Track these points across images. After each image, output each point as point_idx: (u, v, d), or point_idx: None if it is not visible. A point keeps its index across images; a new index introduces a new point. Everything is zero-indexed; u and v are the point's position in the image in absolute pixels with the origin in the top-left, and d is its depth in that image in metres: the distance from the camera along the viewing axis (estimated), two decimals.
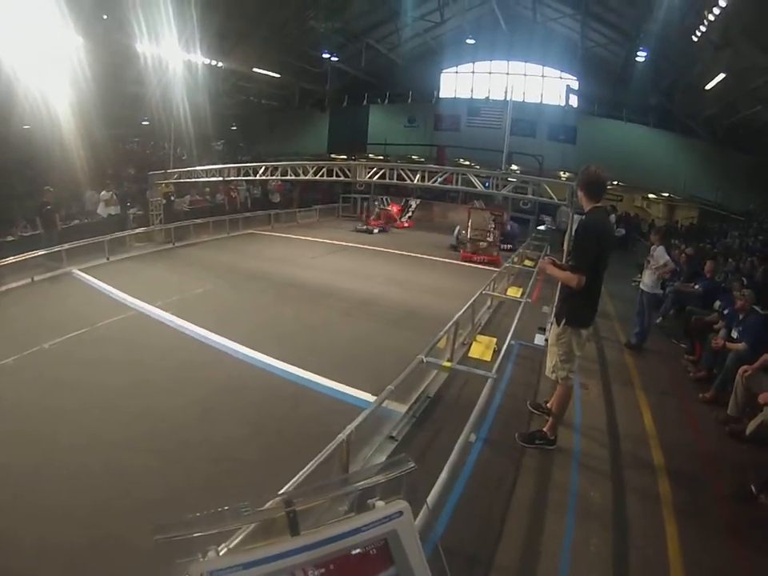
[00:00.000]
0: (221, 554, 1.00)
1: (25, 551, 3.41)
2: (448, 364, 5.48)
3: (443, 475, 3.10)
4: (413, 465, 1.10)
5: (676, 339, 8.68)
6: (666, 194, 24.45)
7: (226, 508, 1.03)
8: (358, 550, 1.01)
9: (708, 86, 16.59)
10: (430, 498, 2.83)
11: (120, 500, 3.84)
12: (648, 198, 26.17)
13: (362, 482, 1.13)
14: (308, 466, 3.02)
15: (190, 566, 0.93)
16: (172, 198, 17.93)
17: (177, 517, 1.02)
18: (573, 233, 5.87)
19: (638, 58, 19.00)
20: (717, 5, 12.58)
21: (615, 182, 24.93)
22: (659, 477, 4.55)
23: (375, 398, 4.38)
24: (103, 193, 15.65)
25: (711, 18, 13.07)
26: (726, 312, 7.33)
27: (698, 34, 14.19)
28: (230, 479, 4.18)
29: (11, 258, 10.68)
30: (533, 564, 3.46)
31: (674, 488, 4.38)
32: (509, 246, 16.96)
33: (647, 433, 5.36)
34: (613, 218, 19.30)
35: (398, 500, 1.06)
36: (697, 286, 9.41)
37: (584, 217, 4.50)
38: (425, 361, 5.16)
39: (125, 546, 3.35)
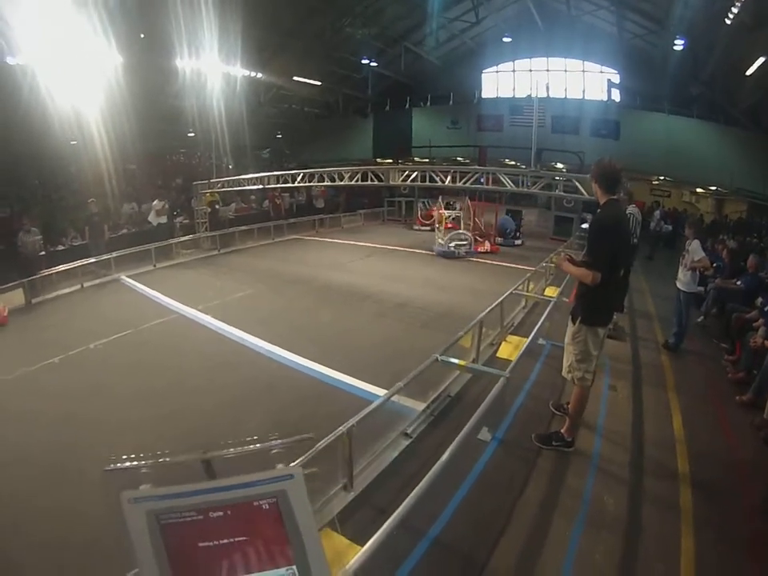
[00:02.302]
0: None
1: (46, 548, 3.65)
2: (463, 363, 5.47)
3: (440, 461, 3.16)
4: (310, 435, 1.24)
5: (717, 339, 8.25)
6: (714, 188, 23.40)
7: (158, 452, 1.27)
8: (251, 502, 1.17)
9: (748, 72, 15.79)
10: (422, 485, 2.91)
11: None
12: (696, 192, 25.15)
13: (264, 444, 1.31)
14: (305, 455, 3.06)
15: (122, 493, 1.15)
16: (217, 207, 18.56)
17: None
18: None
19: (675, 47, 18.32)
20: None
21: (662, 177, 24.19)
22: (682, 485, 4.30)
23: (403, 398, 4.46)
24: (156, 202, 16.31)
25: None
26: (766, 309, 7.03)
27: (731, 16, 13.50)
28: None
29: (62, 266, 11.51)
30: (531, 569, 3.38)
31: (696, 498, 4.12)
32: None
33: (675, 438, 5.09)
34: (658, 213, 18.72)
35: (294, 466, 1.22)
36: (738, 282, 9.04)
37: (598, 210, 4.41)
38: (440, 359, 5.21)
39: None
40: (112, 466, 1.26)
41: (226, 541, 1.14)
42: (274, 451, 1.27)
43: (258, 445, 1.32)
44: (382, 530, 2.47)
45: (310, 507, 1.19)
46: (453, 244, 15.24)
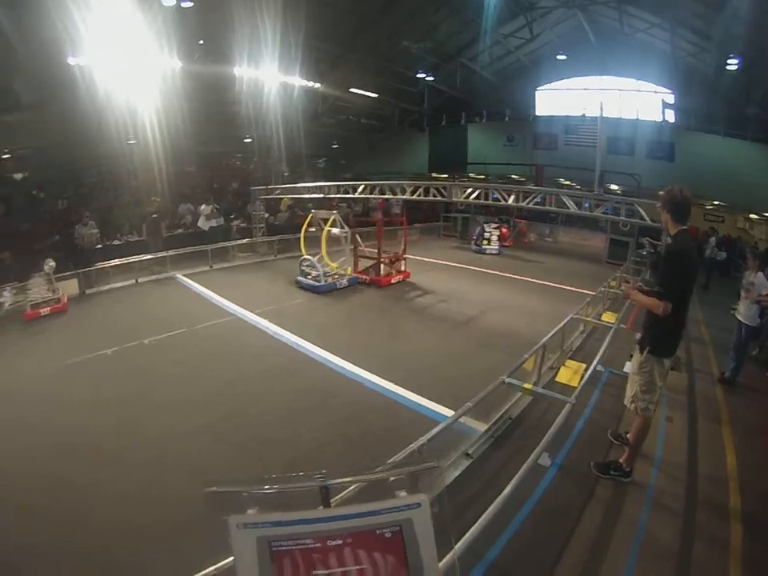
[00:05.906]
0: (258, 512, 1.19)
1: (106, 527, 3.91)
2: (529, 386, 5.39)
3: (506, 491, 3.14)
4: (436, 464, 1.23)
5: None
6: None
7: (269, 476, 1.24)
8: (374, 530, 1.15)
9: None
10: (488, 513, 2.89)
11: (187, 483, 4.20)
12: (750, 218, 24.01)
13: (389, 472, 1.30)
14: (374, 473, 3.06)
15: (230, 517, 1.13)
16: (296, 211, 18.97)
17: (226, 478, 1.23)
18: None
19: (728, 67, 17.58)
20: None
21: (716, 202, 23.26)
22: (732, 522, 4.22)
23: (465, 418, 4.45)
24: (203, 206, 16.40)
25: None
26: None
27: None
28: None
29: (117, 260, 11.93)
30: None
31: (746, 535, 4.04)
32: None
33: (728, 474, 4.98)
34: (713, 240, 18.06)
35: (419, 494, 1.19)
36: None
37: (671, 241, 4.29)
38: (506, 382, 5.15)
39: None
40: (214, 488, 1.21)
41: (342, 569, 1.11)
42: (393, 479, 1.25)
43: (381, 473, 1.30)
44: (448, 557, 2.45)
45: (433, 536, 1.16)
46: None
